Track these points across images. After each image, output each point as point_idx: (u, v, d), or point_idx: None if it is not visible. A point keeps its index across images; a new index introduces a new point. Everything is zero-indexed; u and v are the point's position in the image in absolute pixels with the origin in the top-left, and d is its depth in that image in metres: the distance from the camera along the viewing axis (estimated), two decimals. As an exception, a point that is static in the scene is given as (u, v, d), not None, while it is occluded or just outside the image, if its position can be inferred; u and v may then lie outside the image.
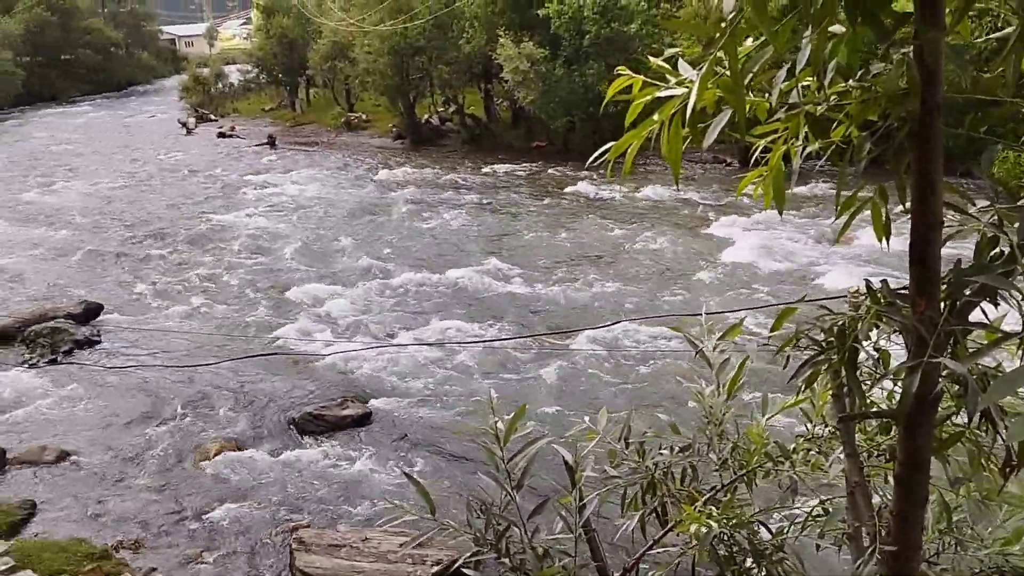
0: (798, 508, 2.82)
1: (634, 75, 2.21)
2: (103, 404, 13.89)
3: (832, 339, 2.20)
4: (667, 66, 2.19)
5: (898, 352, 2.21)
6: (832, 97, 2.13)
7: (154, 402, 13.89)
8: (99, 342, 16.53)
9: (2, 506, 10.62)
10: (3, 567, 8.86)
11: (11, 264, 22.23)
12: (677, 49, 2.33)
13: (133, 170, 36.78)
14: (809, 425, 2.95)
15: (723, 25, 1.81)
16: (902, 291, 2.08)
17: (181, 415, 13.38)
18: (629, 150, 2.18)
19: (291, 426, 12.95)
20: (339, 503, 10.84)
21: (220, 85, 58.92)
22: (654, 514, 2.97)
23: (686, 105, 1.96)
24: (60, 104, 67.09)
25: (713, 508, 2.67)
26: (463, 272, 19.87)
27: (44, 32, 70.69)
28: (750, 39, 1.98)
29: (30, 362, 15.52)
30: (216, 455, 12.08)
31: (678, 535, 2.85)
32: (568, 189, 29.41)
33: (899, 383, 2.14)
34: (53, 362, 15.49)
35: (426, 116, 41.80)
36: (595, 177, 29.83)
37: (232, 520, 10.48)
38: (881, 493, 2.67)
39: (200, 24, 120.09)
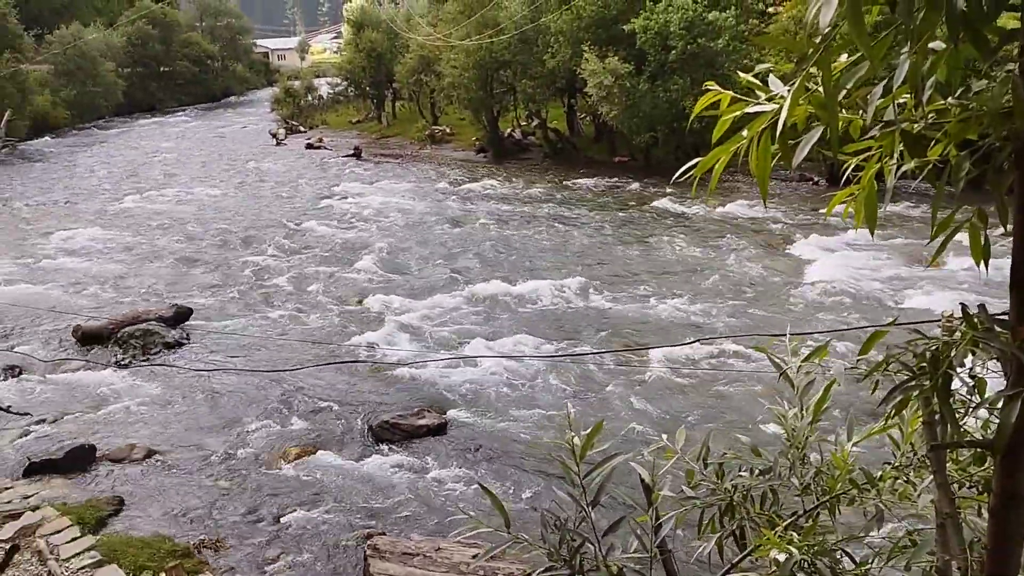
0: (884, 538, 2.72)
1: (722, 91, 2.18)
2: (189, 405, 14.32)
3: (924, 365, 2.12)
4: (756, 82, 2.16)
5: (995, 380, 2.13)
6: (930, 115, 2.06)
7: (237, 405, 14.26)
8: (187, 345, 17.07)
9: (91, 501, 10.98)
10: (90, 561, 9.18)
11: (108, 268, 23.15)
12: (767, 65, 2.29)
13: (225, 179, 37.97)
14: (897, 453, 2.85)
15: (817, 40, 1.77)
16: (1001, 316, 2.00)
17: (263, 418, 13.70)
18: (716, 166, 2.15)
19: (368, 433, 13.12)
20: (413, 512, 10.93)
21: (310, 97, 60.46)
22: (732, 537, 2.91)
23: (776, 121, 1.93)
24: (158, 114, 69.81)
25: (794, 534, 2.60)
26: (542, 286, 19.89)
27: (145, 45, 73.78)
28: (844, 55, 1.94)
29: (122, 362, 16.11)
30: (295, 459, 12.33)
31: (757, 560, 2.79)
32: (649, 204, 29.22)
33: (996, 412, 2.06)
34: (144, 363, 16.05)
35: (509, 130, 42.13)
36: (677, 193, 29.57)
37: (309, 524, 10.66)
38: (973, 527, 2.56)
39: (292, 38, 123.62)
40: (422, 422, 13.16)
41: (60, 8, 77.73)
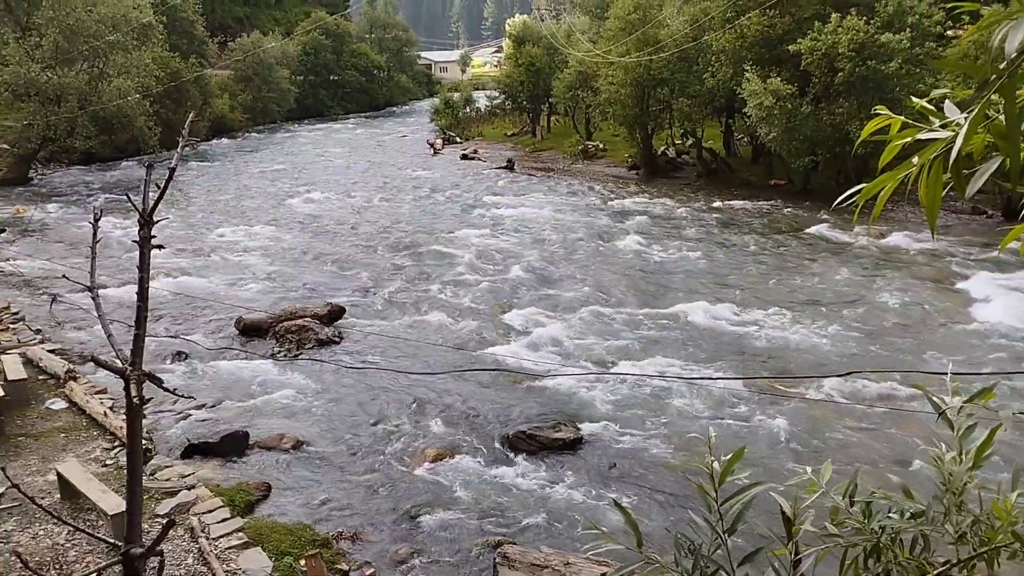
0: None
1: (893, 115, 2.10)
2: (336, 400, 14.89)
3: (1104, 416, 1.97)
4: (930, 107, 2.07)
5: None
6: None
7: (381, 403, 14.71)
8: (338, 343, 17.77)
9: (242, 485, 11.58)
10: (237, 542, 9.68)
11: (271, 265, 24.44)
12: (943, 90, 2.20)
13: (383, 185, 39.39)
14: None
15: (1001, 66, 1.69)
16: None
17: (404, 418, 14.08)
18: (881, 194, 2.07)
19: (504, 442, 13.26)
20: (543, 523, 10.96)
21: (468, 109, 61.94)
22: (876, 581, 2.78)
23: (949, 150, 1.85)
24: (325, 120, 73.21)
25: (945, 584, 2.46)
26: (686, 307, 19.58)
27: (318, 54, 77.72)
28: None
29: (278, 355, 16.95)
30: (433, 460, 12.60)
31: (902, 607, 2.65)
32: (806, 230, 28.26)
33: None
34: (297, 357, 16.81)
35: (662, 148, 41.77)
36: (836, 220, 28.51)
37: (442, 525, 10.87)
38: None
39: (455, 51, 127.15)
40: (558, 435, 13.19)
41: (242, 17, 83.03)
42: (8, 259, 23.58)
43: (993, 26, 1.70)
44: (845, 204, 2.25)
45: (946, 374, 3.06)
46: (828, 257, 24.68)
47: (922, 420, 12.65)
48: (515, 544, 10.10)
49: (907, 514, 2.78)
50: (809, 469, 3.00)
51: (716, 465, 2.77)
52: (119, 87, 38.31)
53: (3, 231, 27.13)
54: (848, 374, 13.90)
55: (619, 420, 13.94)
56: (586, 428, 13.59)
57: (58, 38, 37.18)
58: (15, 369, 13.84)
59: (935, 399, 2.90)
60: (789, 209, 31.88)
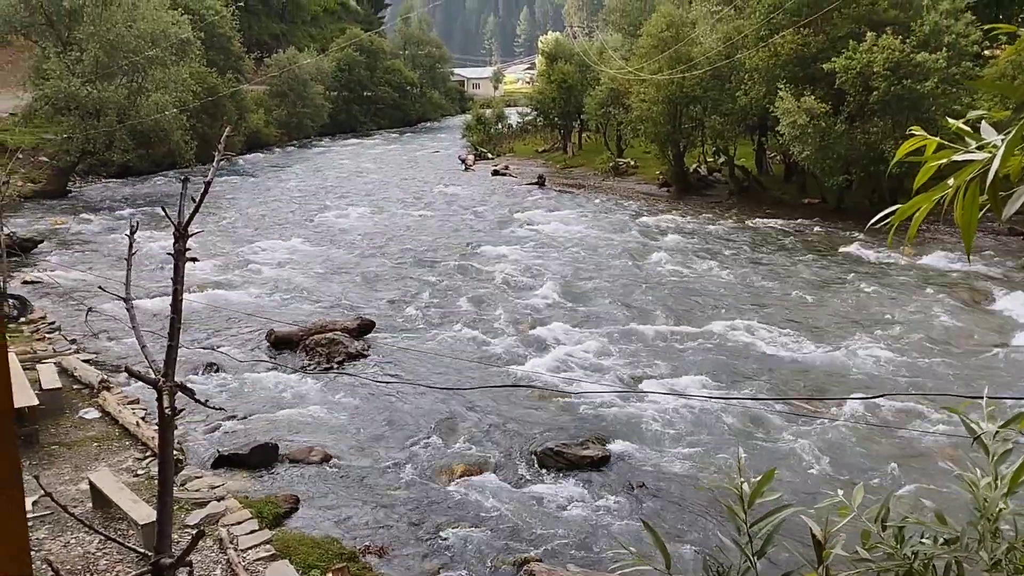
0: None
1: (928, 136, 2.09)
2: (365, 414, 14.94)
3: None
4: (967, 128, 2.06)
5: None
6: None
7: (410, 418, 14.74)
8: (368, 356, 17.83)
9: (270, 498, 11.62)
10: (265, 554, 9.72)
11: (302, 279, 24.61)
12: (980, 111, 2.18)
13: (415, 200, 39.60)
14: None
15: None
16: None
17: (433, 433, 14.09)
18: (916, 214, 2.05)
19: (532, 458, 13.21)
20: (571, 541, 10.89)
21: (499, 125, 62.16)
22: (909, 607, 2.74)
23: (986, 171, 1.83)
24: (358, 136, 73.83)
25: (979, 612, 2.42)
26: (716, 326, 19.45)
27: (352, 70, 78.49)
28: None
29: (308, 368, 17.04)
30: (460, 476, 12.59)
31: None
32: (839, 250, 28.01)
33: None
34: (327, 371, 16.90)
35: (694, 166, 41.63)
36: (870, 240, 28.22)
37: (469, 541, 10.84)
38: None
39: (488, 68, 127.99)
40: (586, 453, 13.12)
41: (278, 34, 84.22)
42: (46, 270, 23.98)
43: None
44: (879, 224, 2.23)
45: (981, 397, 3.01)
46: (862, 277, 24.42)
47: (956, 444, 12.45)
48: (541, 562, 10.05)
49: (940, 540, 2.74)
50: (840, 492, 2.96)
51: (746, 487, 2.75)
52: (157, 102, 38.87)
53: (41, 242, 27.61)
54: (881, 396, 13.72)
55: (647, 439, 13.86)
56: (614, 446, 13.52)
57: (98, 53, 37.81)
58: (50, 378, 14.04)
59: (970, 423, 2.86)
60: (822, 228, 31.62)
